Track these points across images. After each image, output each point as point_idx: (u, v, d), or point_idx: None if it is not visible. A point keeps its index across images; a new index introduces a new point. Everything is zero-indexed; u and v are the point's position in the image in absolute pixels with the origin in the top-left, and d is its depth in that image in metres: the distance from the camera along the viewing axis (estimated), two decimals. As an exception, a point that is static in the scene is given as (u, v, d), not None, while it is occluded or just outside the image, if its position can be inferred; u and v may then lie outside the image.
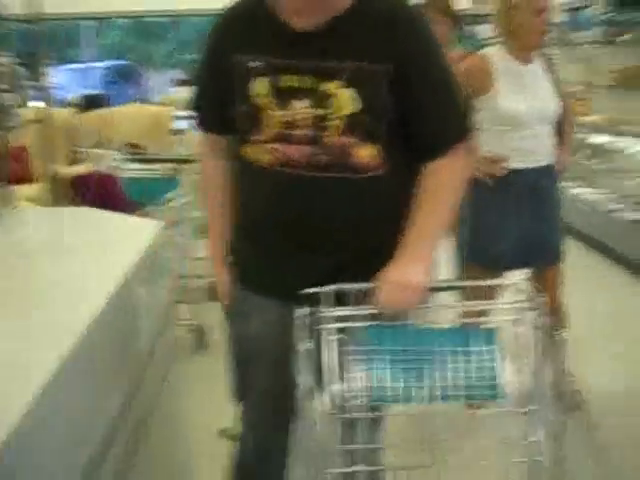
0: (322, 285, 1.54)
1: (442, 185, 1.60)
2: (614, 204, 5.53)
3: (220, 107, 1.68)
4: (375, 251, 1.59)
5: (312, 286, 1.54)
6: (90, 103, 7.17)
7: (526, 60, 2.78)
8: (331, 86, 1.52)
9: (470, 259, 2.93)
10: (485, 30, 11.73)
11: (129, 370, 2.16)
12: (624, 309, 4.26)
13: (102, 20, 12.86)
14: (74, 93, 8.54)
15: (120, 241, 2.20)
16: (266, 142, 1.59)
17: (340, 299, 1.47)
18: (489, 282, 1.50)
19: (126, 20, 14.65)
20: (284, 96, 1.55)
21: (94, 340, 1.44)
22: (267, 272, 1.70)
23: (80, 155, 4.59)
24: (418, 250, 1.55)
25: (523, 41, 2.74)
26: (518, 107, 2.71)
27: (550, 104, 2.80)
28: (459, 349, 1.42)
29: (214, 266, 1.85)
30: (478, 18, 11.76)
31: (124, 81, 13.38)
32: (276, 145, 1.58)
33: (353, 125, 1.52)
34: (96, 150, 4.01)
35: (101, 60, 13.77)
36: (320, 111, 1.53)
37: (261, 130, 1.58)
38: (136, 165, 3.79)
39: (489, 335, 1.44)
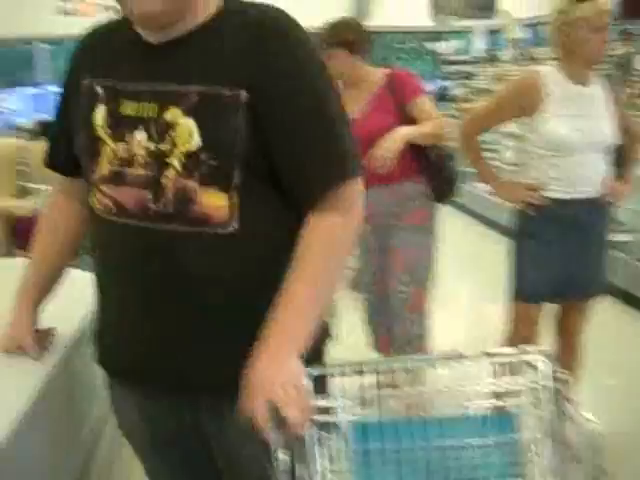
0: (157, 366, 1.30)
1: (319, 245, 1.26)
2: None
3: (67, 142, 1.39)
4: (222, 331, 1.28)
5: (143, 367, 1.31)
6: (45, 130, 6.80)
7: (583, 81, 2.55)
8: (174, 115, 1.23)
9: (512, 292, 2.72)
10: (442, 47, 11.78)
11: (83, 435, 1.94)
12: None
13: (55, 43, 12.54)
14: (28, 118, 8.13)
15: (65, 300, 1.94)
16: (100, 184, 1.30)
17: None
18: (505, 355, 1.24)
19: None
20: (123, 126, 1.26)
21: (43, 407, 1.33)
22: (113, 350, 1.39)
23: (30, 191, 4.26)
24: (288, 331, 1.21)
25: (580, 60, 2.51)
26: (565, 132, 2.48)
27: (604, 130, 2.55)
28: (472, 441, 1.18)
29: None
30: (442, 35, 11.80)
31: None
32: (105, 187, 1.29)
33: (192, 165, 1.22)
34: (46, 186, 3.68)
35: (56, 84, 13.41)
36: (160, 146, 1.23)
37: (97, 169, 1.30)
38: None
39: (507, 422, 1.20)
